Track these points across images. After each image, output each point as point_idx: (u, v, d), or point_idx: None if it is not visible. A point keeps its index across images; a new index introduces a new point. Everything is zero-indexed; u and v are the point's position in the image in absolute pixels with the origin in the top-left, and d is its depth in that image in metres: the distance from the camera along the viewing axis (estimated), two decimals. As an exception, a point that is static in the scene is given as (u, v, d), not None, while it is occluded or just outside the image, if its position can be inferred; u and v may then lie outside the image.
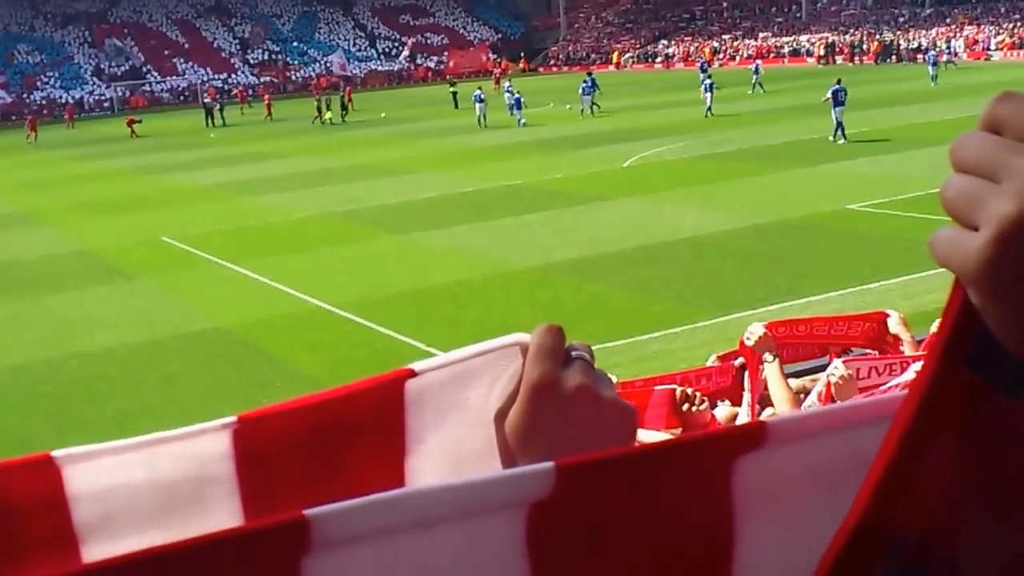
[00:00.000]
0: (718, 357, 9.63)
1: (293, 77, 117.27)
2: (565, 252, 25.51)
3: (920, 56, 77.90)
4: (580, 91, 61.64)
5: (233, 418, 1.35)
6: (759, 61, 76.57)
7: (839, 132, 41.53)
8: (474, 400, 1.33)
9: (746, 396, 8.29)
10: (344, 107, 74.39)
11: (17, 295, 25.96)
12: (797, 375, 8.68)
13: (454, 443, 1.35)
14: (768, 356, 8.20)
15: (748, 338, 8.40)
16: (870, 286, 18.92)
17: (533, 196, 34.50)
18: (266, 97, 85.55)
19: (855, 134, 41.52)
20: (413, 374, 1.33)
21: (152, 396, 17.42)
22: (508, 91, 62.49)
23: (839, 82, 42.09)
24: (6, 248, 32.80)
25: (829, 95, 41.80)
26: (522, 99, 60.27)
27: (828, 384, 7.31)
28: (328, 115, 72.15)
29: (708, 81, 56.12)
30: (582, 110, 61.00)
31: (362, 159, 49.17)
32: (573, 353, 1.27)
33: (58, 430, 16.32)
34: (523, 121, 58.71)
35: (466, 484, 0.91)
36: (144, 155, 59.35)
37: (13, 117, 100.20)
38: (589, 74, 64.27)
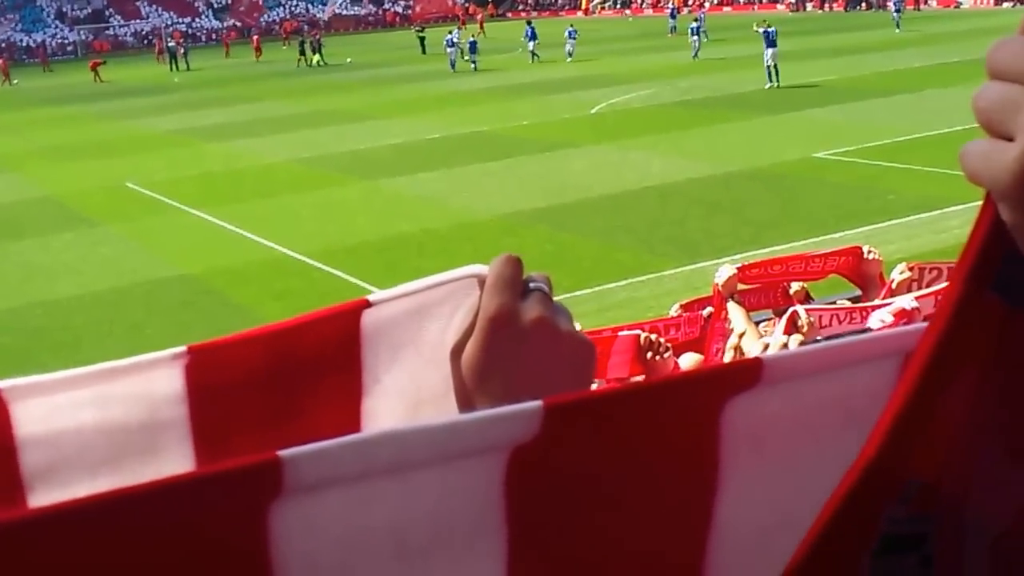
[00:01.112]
0: (681, 306, 9.69)
1: (261, 21, 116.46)
2: (532, 201, 25.51)
3: (889, 4, 78.03)
4: (524, 37, 62.71)
5: (183, 348, 1.33)
6: (703, 11, 77.48)
7: (773, 75, 42.80)
8: (431, 335, 1.32)
9: (732, 338, 8.40)
10: (303, 52, 74.25)
11: (-21, 241, 25.73)
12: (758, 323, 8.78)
13: (411, 383, 1.34)
14: (734, 297, 8.37)
15: (719, 276, 8.55)
16: (834, 235, 18.97)
17: (500, 143, 34.45)
18: (255, 40, 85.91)
19: (824, 82, 41.68)
20: (368, 304, 1.32)
21: (117, 346, 17.09)
22: (454, 40, 62.95)
23: (769, 26, 43.78)
24: (-34, 194, 32.55)
25: (761, 34, 43.72)
26: (476, 43, 61.58)
27: (787, 322, 7.45)
28: (315, 57, 72.02)
29: (695, 25, 56.71)
30: (532, 56, 61.57)
31: (328, 105, 48.90)
32: (531, 284, 1.23)
33: None
34: (476, 65, 59.76)
35: (448, 425, 0.87)
36: (107, 100, 58.92)
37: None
38: (529, 23, 65.15)
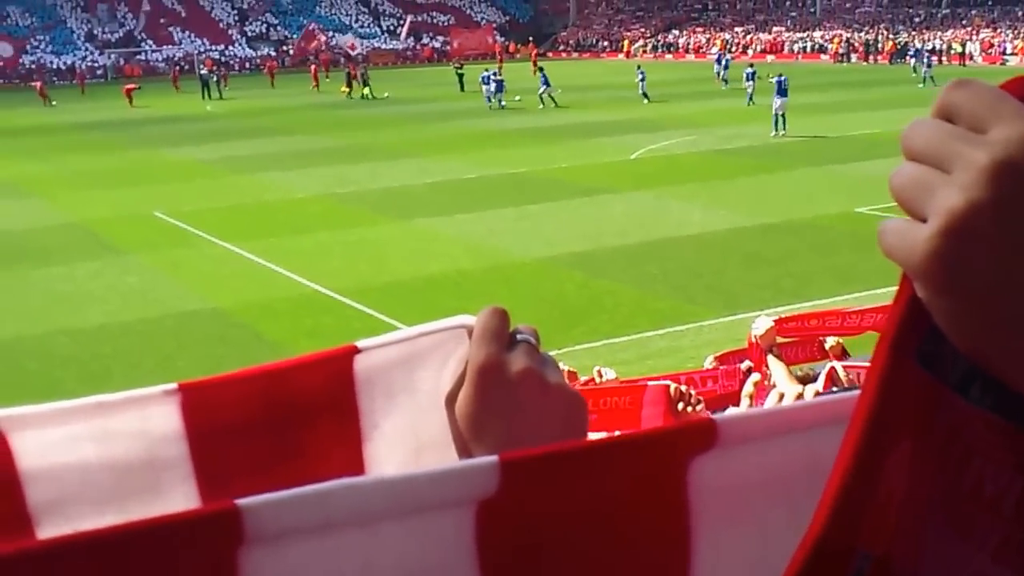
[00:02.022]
0: (716, 358, 9.71)
1: (290, 51, 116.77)
2: (569, 245, 25.50)
3: (935, 57, 77.54)
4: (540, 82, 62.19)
5: (174, 385, 1.36)
6: (727, 55, 77.90)
7: (780, 124, 43.91)
8: (424, 383, 1.35)
9: (748, 385, 8.41)
10: (350, 84, 74.47)
11: (3, 267, 25.78)
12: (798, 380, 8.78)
13: (410, 429, 1.36)
14: (773, 351, 8.39)
15: (756, 328, 8.57)
16: (877, 291, 18.91)
17: (537, 185, 34.49)
18: (313, 68, 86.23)
19: (868, 136, 41.66)
20: (357, 351, 1.35)
21: (149, 377, 16.59)
22: (490, 77, 63.09)
23: (780, 75, 44.88)
24: (-5, 218, 32.63)
25: (773, 83, 44.65)
26: (504, 83, 61.74)
27: (826, 378, 7.49)
28: (364, 90, 72.33)
29: (750, 71, 57.00)
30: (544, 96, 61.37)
31: (364, 140, 49.05)
32: (518, 336, 1.26)
33: None
34: (503, 104, 60.30)
35: (404, 479, 0.89)
36: (137, 127, 59.08)
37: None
38: (540, 69, 65.14)
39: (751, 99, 55.51)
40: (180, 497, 1.36)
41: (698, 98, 61.52)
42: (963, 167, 0.81)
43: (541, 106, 60.15)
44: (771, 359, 8.33)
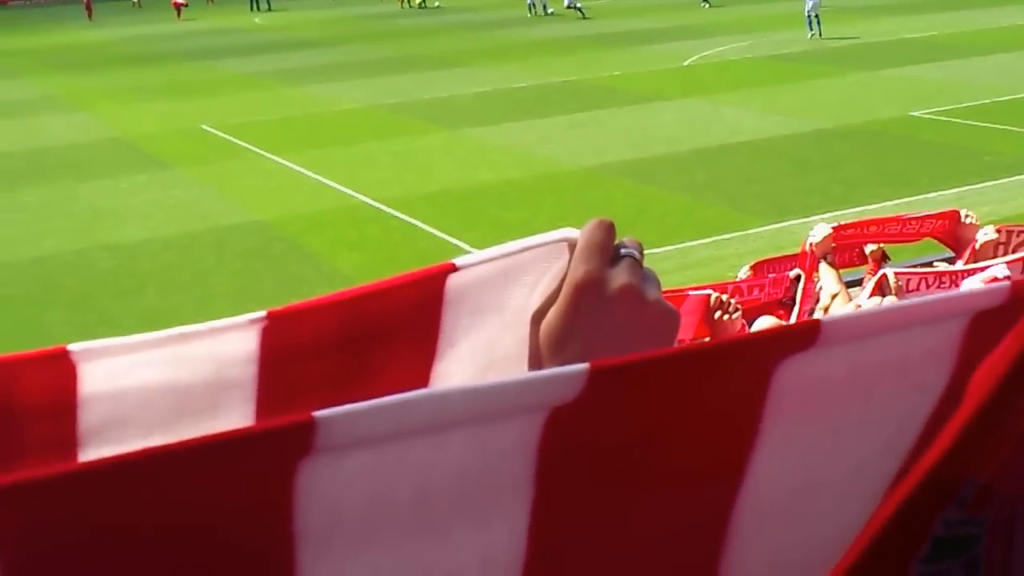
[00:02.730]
0: (750, 267, 9.64)
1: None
2: (619, 153, 25.39)
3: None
4: None
5: (262, 313, 1.32)
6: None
7: (815, 27, 44.02)
8: (515, 299, 1.30)
9: (824, 297, 8.36)
10: None
11: (48, 181, 25.95)
12: (849, 286, 8.69)
13: (487, 345, 1.33)
14: (827, 258, 8.32)
15: (814, 235, 8.49)
16: (927, 196, 18.78)
17: (588, 94, 34.28)
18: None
19: (924, 38, 41.18)
20: (455, 269, 1.30)
21: (182, 294, 17.34)
22: None
23: None
24: (38, 133, 32.79)
25: None
26: None
27: (876, 285, 7.44)
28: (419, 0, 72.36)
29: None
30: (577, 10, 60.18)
31: (412, 50, 48.94)
32: (622, 251, 1.22)
33: (80, 327, 16.16)
34: (550, 11, 59.53)
35: (487, 387, 0.87)
36: (184, 40, 59.45)
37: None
38: None
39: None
40: (236, 418, 1.36)
41: (756, 1, 60.83)
42: None
43: (580, 16, 59.37)
44: (823, 266, 8.29)
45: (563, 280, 1.22)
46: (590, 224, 1.22)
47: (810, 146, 24.98)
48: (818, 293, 8.23)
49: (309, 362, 1.32)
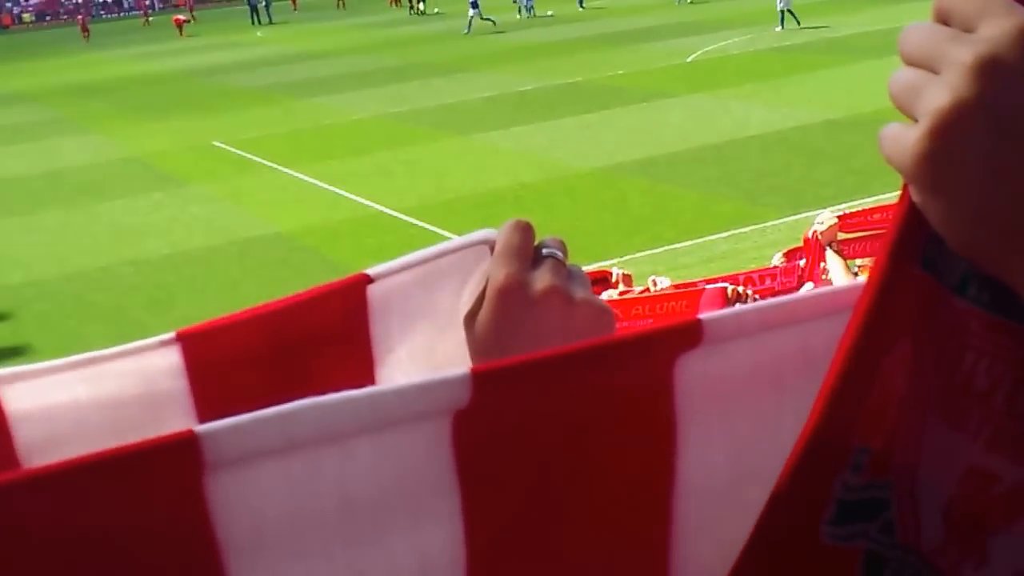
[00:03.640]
0: (784, 255, 9.67)
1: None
2: (630, 152, 25.42)
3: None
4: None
5: (172, 335, 1.29)
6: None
7: (785, 20, 44.56)
8: (443, 303, 1.28)
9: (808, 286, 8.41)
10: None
11: (68, 202, 26.13)
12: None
13: (426, 349, 1.31)
14: (832, 246, 8.36)
15: (820, 224, 8.54)
16: (939, 183, 18.76)
17: (594, 94, 34.28)
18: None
19: (927, 25, 41.17)
20: (370, 280, 1.27)
21: (213, 302, 17.41)
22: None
23: None
24: (54, 155, 32.94)
25: None
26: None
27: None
28: (421, 6, 72.37)
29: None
30: (519, 10, 59.52)
31: (416, 57, 48.90)
32: (544, 251, 1.20)
33: (119, 338, 15.80)
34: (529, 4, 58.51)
35: (370, 394, 0.87)
36: (188, 56, 59.42)
37: (47, 17, 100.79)
38: None
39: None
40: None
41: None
42: (949, 66, 0.82)
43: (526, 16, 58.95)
44: (830, 254, 8.32)
45: (484, 282, 1.20)
46: (507, 226, 1.21)
47: (821, 137, 24.95)
48: (829, 282, 8.27)
49: (241, 372, 1.30)
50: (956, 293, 0.90)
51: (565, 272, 1.19)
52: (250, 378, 1.28)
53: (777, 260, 9.49)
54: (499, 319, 1.17)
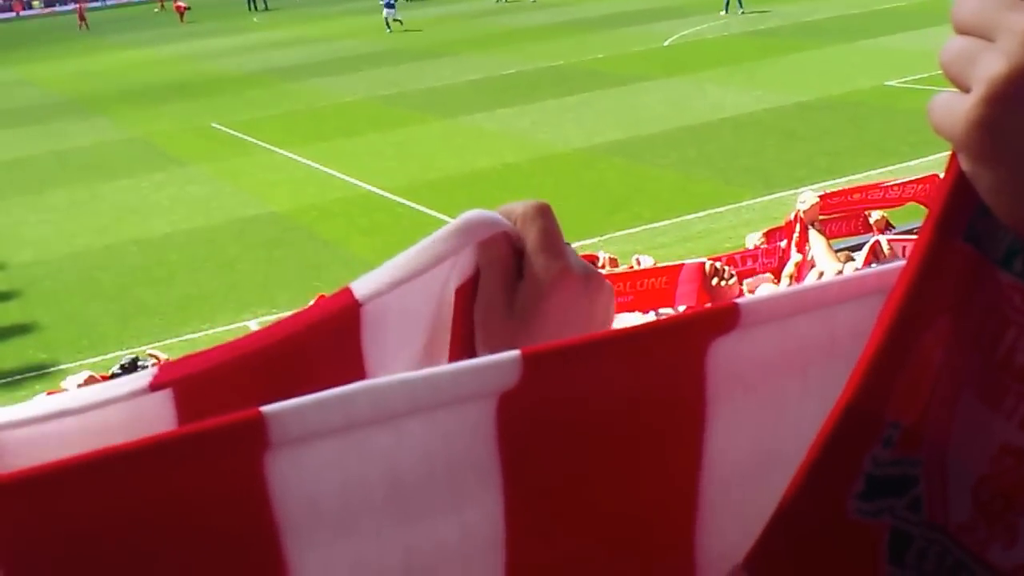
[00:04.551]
0: (763, 235, 9.65)
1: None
2: (609, 133, 25.45)
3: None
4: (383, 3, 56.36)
5: (148, 379, 1.11)
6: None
7: (733, 5, 45.69)
8: (427, 307, 1.17)
9: (789, 266, 8.36)
10: None
11: (73, 182, 26.23)
12: (841, 251, 8.70)
13: (423, 356, 1.21)
14: (815, 225, 8.31)
15: (802, 203, 8.49)
16: (910, 163, 18.74)
17: (575, 77, 34.31)
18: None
19: (895, 8, 41.15)
20: (359, 304, 1.10)
21: (212, 282, 17.57)
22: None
23: None
24: (61, 136, 33.05)
25: None
26: None
27: (869, 252, 7.43)
28: None
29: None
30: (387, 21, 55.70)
31: (402, 42, 48.97)
32: None
33: (120, 317, 16.55)
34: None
35: (424, 376, 0.87)
36: (188, 41, 59.47)
37: (56, 4, 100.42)
38: None
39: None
40: None
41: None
42: (1006, 33, 0.79)
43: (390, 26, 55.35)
44: (812, 234, 8.28)
45: (497, 270, 1.12)
46: (536, 209, 1.11)
47: (793, 119, 24.94)
48: (812, 261, 8.22)
49: (228, 399, 1.09)
50: (1001, 267, 0.86)
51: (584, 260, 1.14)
52: (238, 397, 1.09)
53: (755, 240, 9.47)
54: (557, 310, 1.10)
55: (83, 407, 1.12)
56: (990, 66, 0.79)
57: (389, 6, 55.13)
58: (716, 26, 43.14)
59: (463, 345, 1.17)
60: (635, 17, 48.92)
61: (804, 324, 0.99)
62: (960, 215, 0.86)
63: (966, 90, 0.81)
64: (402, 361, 1.20)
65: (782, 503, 0.97)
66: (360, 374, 1.16)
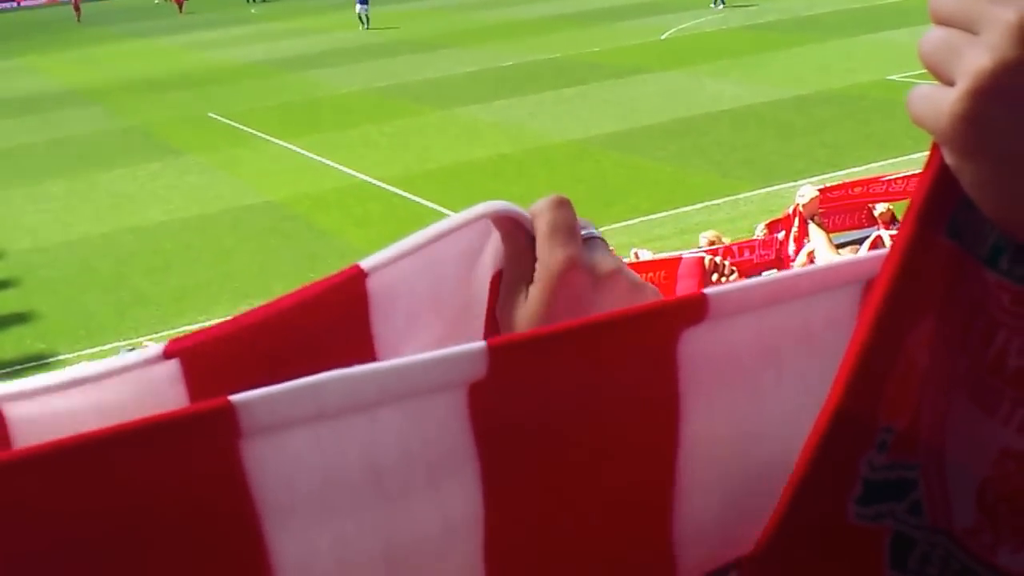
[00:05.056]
0: (766, 226, 9.64)
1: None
2: (605, 126, 25.46)
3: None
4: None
5: (160, 349, 1.13)
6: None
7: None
8: (449, 292, 1.17)
9: (802, 256, 8.32)
10: None
11: (71, 171, 26.29)
12: (842, 245, 8.69)
13: (435, 345, 1.12)
14: (815, 219, 8.27)
15: (802, 197, 8.44)
16: (911, 156, 18.69)
17: (572, 69, 34.33)
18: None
19: (898, 3, 41.10)
20: (365, 274, 1.12)
21: (207, 271, 17.61)
22: None
23: None
24: (59, 124, 33.13)
25: None
26: None
27: (870, 247, 7.36)
28: None
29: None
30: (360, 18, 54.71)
31: (401, 34, 49.01)
32: (584, 232, 1.09)
33: (117, 306, 16.61)
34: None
35: (394, 366, 0.87)
36: (186, 32, 59.49)
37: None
38: None
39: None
40: None
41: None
42: (990, 26, 0.77)
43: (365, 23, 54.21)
44: (813, 228, 8.24)
45: (521, 263, 1.10)
46: (549, 203, 1.08)
47: (792, 112, 24.94)
48: (811, 254, 8.18)
49: (241, 379, 1.06)
50: (987, 265, 0.84)
51: (618, 256, 1.11)
52: (249, 381, 1.04)
53: (760, 231, 9.49)
54: (559, 303, 1.07)
55: (100, 374, 1.13)
56: (975, 59, 0.78)
57: (362, 2, 54.47)
58: (714, 20, 43.16)
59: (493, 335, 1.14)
60: (633, 10, 48.92)
61: (777, 314, 0.98)
62: (942, 209, 0.84)
63: (948, 82, 0.81)
64: (416, 343, 1.19)
65: (779, 508, 0.97)
66: (368, 347, 1.17)
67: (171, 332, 14.31)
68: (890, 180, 9.40)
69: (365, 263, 1.11)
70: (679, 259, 7.75)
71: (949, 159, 0.82)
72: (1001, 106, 0.77)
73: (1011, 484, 0.88)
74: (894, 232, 7.79)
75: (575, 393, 0.93)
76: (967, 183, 0.81)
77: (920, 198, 0.84)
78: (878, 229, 8.56)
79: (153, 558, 0.83)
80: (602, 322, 0.93)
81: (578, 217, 1.10)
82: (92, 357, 12.30)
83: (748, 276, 7.97)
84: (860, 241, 8.62)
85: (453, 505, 0.94)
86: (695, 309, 0.94)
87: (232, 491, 0.84)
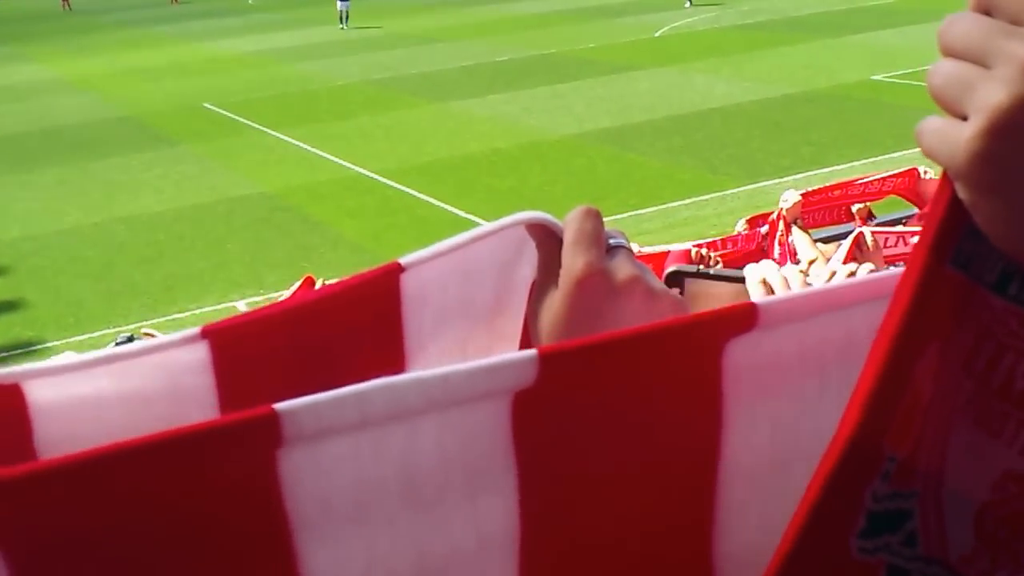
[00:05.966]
0: (746, 221, 9.70)
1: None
2: (599, 121, 25.48)
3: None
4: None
5: (197, 330, 1.18)
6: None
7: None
8: (479, 295, 1.22)
9: (802, 265, 8.39)
10: None
11: (63, 159, 26.13)
12: (824, 241, 8.75)
13: (458, 345, 1.25)
14: (797, 223, 8.35)
15: (785, 201, 8.52)
16: (893, 155, 18.70)
17: (567, 65, 34.29)
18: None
19: (883, 5, 41.16)
20: (401, 268, 1.18)
21: (200, 261, 17.50)
22: None
23: None
24: (51, 113, 32.97)
25: None
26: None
27: (852, 244, 7.45)
28: None
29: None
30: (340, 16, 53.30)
31: (398, 27, 48.89)
32: (611, 241, 1.12)
33: (107, 296, 16.49)
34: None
35: (441, 374, 0.86)
36: (181, 21, 59.29)
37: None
38: None
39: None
40: None
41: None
42: (1005, 61, 0.77)
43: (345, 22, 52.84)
44: (796, 231, 8.32)
45: (543, 271, 1.14)
46: (578, 212, 1.12)
47: (779, 111, 24.97)
48: (790, 254, 8.24)
49: (268, 369, 1.23)
50: (994, 291, 0.84)
51: (641, 264, 1.12)
52: (277, 375, 1.22)
53: (740, 226, 9.54)
54: (578, 309, 1.09)
55: (131, 353, 1.17)
56: (991, 95, 0.77)
57: None
58: (707, 19, 43.11)
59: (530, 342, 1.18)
60: (628, 8, 48.89)
61: (821, 324, 0.99)
62: (948, 240, 0.84)
63: (959, 116, 0.80)
64: (442, 342, 1.23)
65: (783, 544, 0.95)
66: (398, 341, 1.21)
67: (161, 320, 14.34)
68: (866, 182, 9.51)
69: (404, 259, 1.16)
70: (667, 253, 7.79)
71: (963, 194, 0.81)
72: (1017, 144, 0.76)
73: (1011, 507, 0.88)
74: (874, 229, 7.91)
75: (618, 402, 0.94)
76: (982, 217, 0.81)
77: (932, 230, 0.84)
78: (857, 226, 8.65)
79: (184, 568, 0.83)
80: (651, 332, 0.94)
81: (610, 229, 1.13)
82: (81, 345, 12.32)
83: (733, 267, 8.06)
84: (842, 236, 8.70)
85: (489, 518, 0.94)
86: (745, 319, 0.95)
87: (266, 503, 0.84)
